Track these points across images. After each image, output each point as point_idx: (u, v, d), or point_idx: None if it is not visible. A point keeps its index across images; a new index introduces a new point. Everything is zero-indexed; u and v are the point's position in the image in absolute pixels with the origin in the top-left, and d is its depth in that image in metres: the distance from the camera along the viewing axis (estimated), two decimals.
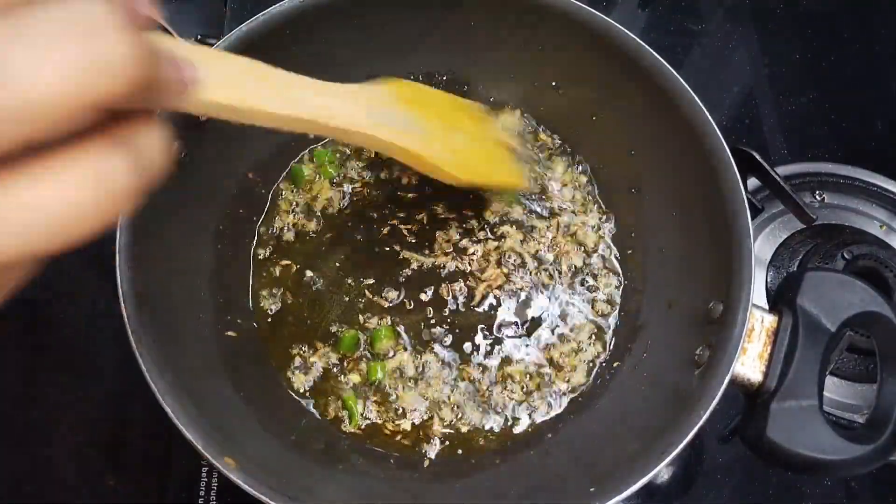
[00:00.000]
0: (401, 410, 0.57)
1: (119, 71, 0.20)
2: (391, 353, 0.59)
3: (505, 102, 0.68)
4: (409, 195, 0.65)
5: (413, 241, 0.63)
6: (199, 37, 0.62)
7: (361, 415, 0.57)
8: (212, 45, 0.54)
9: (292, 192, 0.65)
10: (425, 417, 0.57)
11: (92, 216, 0.21)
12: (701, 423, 0.45)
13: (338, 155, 0.66)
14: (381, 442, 0.57)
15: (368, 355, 0.59)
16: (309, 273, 0.62)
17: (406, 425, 0.57)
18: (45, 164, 0.20)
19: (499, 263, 0.63)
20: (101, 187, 0.21)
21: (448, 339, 0.60)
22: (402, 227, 0.64)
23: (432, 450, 0.57)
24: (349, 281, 0.62)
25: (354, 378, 0.58)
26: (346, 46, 0.63)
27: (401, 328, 0.60)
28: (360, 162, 0.67)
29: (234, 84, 0.37)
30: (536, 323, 0.61)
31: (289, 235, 0.63)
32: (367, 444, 0.56)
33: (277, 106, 0.41)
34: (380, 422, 0.57)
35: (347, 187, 0.66)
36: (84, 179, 0.21)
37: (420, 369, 0.59)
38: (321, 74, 0.64)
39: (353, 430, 0.57)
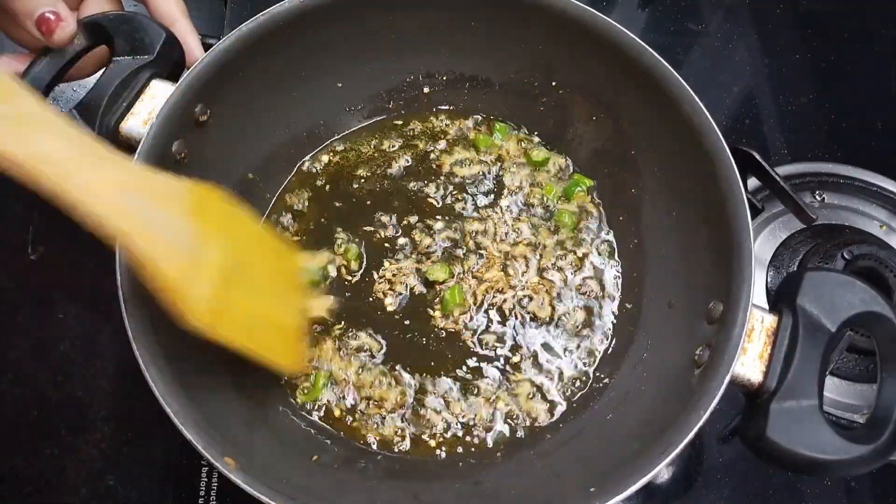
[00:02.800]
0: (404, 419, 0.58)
1: None
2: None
3: (506, 107, 0.68)
4: (431, 199, 0.66)
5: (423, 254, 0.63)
6: (199, 37, 0.62)
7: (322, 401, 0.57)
8: (211, 45, 0.54)
9: (295, 192, 0.65)
10: (426, 422, 0.57)
11: None
12: (701, 423, 0.45)
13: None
14: (380, 442, 0.57)
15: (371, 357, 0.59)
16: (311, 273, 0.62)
17: (407, 430, 0.57)
18: None
19: (501, 266, 0.63)
20: None
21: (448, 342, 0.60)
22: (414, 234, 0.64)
23: (433, 450, 0.57)
24: (350, 284, 0.62)
25: (353, 378, 0.58)
26: (345, 47, 0.63)
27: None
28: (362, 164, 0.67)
29: None
30: (537, 323, 0.61)
31: (290, 235, 0.63)
32: (367, 444, 0.57)
33: None
34: (382, 426, 0.57)
35: (355, 185, 0.66)
36: None
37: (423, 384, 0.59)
38: (321, 74, 0.64)
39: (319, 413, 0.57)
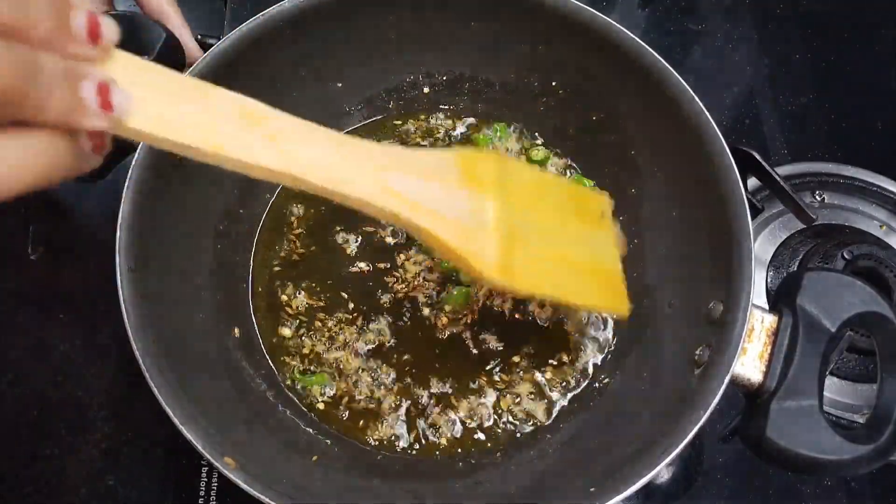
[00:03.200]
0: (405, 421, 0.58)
1: None
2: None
3: (506, 107, 0.68)
4: None
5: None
6: (199, 37, 0.62)
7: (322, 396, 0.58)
8: (211, 45, 0.54)
9: (295, 193, 0.65)
10: (426, 422, 0.58)
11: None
12: (701, 423, 0.45)
13: None
14: (380, 442, 0.57)
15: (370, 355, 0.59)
16: (311, 273, 0.62)
17: (407, 431, 0.57)
18: None
19: None
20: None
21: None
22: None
23: (432, 450, 0.57)
24: (350, 282, 0.62)
25: (355, 378, 0.58)
26: (345, 47, 0.63)
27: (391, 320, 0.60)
28: None
29: (187, 118, 0.33)
30: (537, 324, 0.61)
31: (291, 235, 0.64)
32: (367, 444, 0.57)
33: (246, 153, 0.35)
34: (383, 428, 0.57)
35: None
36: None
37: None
38: (321, 74, 0.64)
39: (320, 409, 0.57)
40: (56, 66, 0.27)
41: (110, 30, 0.30)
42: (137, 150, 0.50)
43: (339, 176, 0.39)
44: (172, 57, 0.56)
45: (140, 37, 0.55)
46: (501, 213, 0.46)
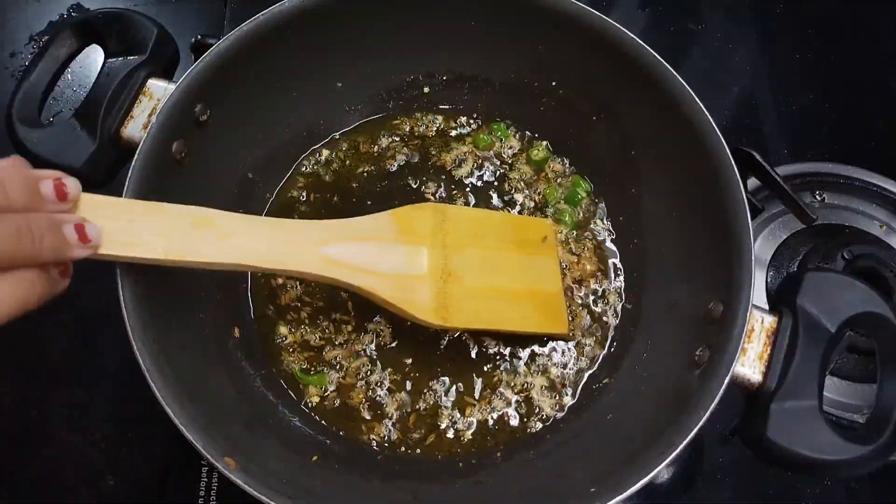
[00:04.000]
0: (402, 413, 0.58)
1: None
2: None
3: (506, 107, 0.68)
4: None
5: None
6: (199, 37, 0.62)
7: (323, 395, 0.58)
8: (211, 44, 0.54)
9: (295, 192, 0.65)
10: (426, 422, 0.58)
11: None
12: (701, 423, 0.45)
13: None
14: (380, 442, 0.57)
15: (372, 356, 0.59)
16: None
17: (414, 432, 0.57)
18: None
19: None
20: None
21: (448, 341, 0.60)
22: None
23: (433, 450, 0.57)
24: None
25: (353, 379, 0.58)
26: (345, 47, 0.63)
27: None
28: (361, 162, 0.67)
29: (149, 237, 0.42)
30: None
31: None
32: (367, 444, 0.57)
33: (203, 256, 0.44)
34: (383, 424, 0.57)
35: (354, 184, 0.66)
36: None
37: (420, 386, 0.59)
38: (321, 74, 0.64)
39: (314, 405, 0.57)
40: (40, 221, 0.37)
41: (74, 186, 0.39)
42: (137, 151, 0.50)
43: (283, 257, 0.47)
44: (166, 54, 0.56)
45: (132, 35, 0.54)
46: (437, 257, 0.53)
